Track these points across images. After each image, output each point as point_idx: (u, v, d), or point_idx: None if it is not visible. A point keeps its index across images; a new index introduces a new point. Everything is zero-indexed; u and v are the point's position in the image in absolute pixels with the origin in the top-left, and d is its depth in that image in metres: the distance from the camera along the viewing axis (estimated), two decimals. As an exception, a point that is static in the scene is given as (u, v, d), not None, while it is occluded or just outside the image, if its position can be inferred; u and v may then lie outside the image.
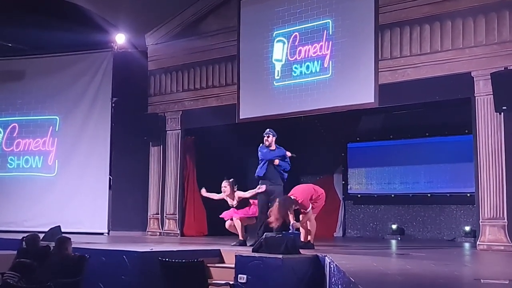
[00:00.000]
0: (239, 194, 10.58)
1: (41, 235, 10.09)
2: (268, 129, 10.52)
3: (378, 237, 14.24)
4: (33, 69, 15.74)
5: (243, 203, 10.65)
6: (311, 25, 12.34)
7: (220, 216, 10.83)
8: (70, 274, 7.88)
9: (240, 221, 10.58)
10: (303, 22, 12.46)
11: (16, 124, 15.81)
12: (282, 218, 9.44)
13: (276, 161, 10.33)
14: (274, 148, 10.45)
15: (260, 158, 10.47)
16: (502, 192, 10.00)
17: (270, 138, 10.42)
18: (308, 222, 9.85)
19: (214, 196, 10.90)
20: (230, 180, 10.69)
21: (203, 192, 11.09)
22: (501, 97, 9.90)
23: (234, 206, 10.64)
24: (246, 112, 13.15)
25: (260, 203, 10.39)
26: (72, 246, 8.47)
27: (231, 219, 10.66)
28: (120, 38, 15.09)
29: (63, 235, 8.79)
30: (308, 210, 9.75)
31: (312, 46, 12.31)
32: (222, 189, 10.69)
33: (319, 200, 9.95)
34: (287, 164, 10.46)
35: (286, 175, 10.51)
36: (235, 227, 10.61)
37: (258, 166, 10.47)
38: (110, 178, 14.82)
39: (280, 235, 8.62)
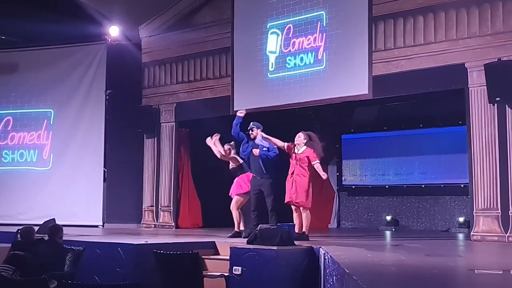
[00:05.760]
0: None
1: (36, 228, 10.10)
2: (251, 123, 10.38)
3: (373, 228, 14.25)
4: (27, 62, 15.66)
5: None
6: (305, 17, 12.31)
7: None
8: (64, 266, 7.90)
9: (239, 197, 10.59)
10: (297, 14, 12.43)
11: (10, 117, 15.73)
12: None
13: (256, 151, 10.12)
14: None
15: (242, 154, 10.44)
16: (495, 183, 10.02)
17: (254, 132, 10.25)
18: (303, 213, 9.85)
19: (216, 148, 10.87)
20: (231, 144, 10.81)
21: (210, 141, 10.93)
22: (494, 88, 9.90)
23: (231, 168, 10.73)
24: (240, 104, 13.11)
25: (252, 198, 10.34)
26: (67, 239, 8.51)
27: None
28: (113, 31, 15.03)
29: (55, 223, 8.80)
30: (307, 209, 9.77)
31: (306, 38, 12.29)
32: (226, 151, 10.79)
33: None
34: (273, 153, 10.17)
35: (272, 155, 10.19)
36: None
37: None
38: (104, 171, 14.80)
39: (275, 226, 8.66)
